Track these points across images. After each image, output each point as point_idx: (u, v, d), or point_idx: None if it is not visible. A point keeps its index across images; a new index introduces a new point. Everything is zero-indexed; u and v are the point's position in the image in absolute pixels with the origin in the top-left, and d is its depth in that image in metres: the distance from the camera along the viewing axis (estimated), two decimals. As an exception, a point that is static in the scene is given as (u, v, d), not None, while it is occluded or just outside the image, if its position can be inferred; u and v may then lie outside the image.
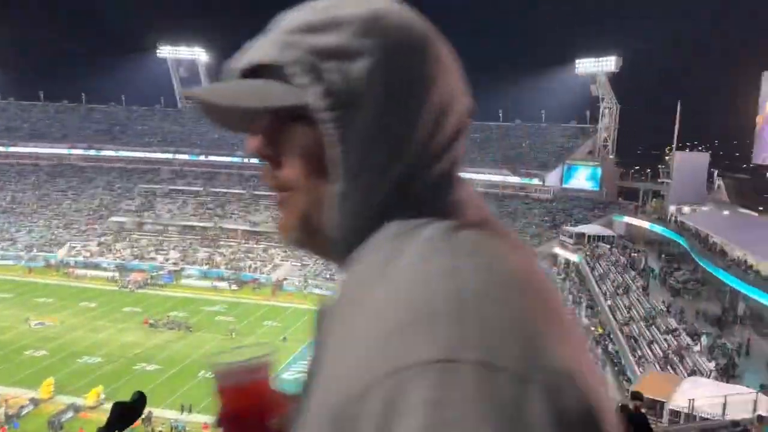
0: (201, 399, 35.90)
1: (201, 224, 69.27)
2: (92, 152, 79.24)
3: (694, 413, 16.52)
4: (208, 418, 33.46)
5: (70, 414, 33.70)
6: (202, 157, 77.42)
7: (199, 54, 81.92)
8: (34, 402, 34.92)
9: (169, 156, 77.77)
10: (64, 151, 79.07)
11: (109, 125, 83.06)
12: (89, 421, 32.70)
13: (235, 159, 76.57)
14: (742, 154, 78.22)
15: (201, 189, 74.46)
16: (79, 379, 37.82)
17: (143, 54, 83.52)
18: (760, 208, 53.25)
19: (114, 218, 70.59)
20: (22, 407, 34.33)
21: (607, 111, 66.78)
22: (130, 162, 78.19)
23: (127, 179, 76.60)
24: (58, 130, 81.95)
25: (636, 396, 7.72)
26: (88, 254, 64.52)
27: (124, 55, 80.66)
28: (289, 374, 40.28)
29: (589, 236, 50.00)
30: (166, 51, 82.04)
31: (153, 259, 63.80)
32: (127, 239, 67.69)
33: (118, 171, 77.85)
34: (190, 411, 34.30)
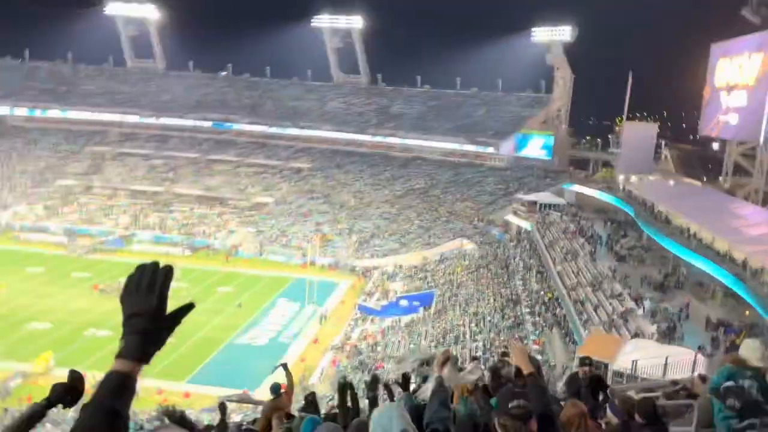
0: (155, 365, 35.51)
1: (152, 188, 67.67)
2: (37, 112, 75.96)
3: (636, 374, 17.31)
4: (163, 383, 33.15)
5: (18, 380, 33.03)
6: (152, 120, 75.14)
7: (150, 12, 78.50)
8: (-20, 369, 34.05)
9: (118, 117, 75.19)
10: (6, 111, 75.54)
11: (54, 84, 79.50)
12: (38, 387, 32.15)
13: (187, 122, 74.66)
14: (689, 125, 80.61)
15: (152, 152, 72.46)
16: (28, 345, 36.98)
17: (91, 10, 79.39)
18: (704, 178, 55.33)
19: (60, 181, 68.23)
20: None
21: (561, 80, 67.63)
22: (77, 123, 75.32)
23: (74, 141, 73.90)
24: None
25: (584, 362, 7.91)
26: (34, 218, 62.40)
27: (70, 10, 76.48)
28: (243, 340, 40.40)
29: (540, 204, 51.15)
30: (114, 8, 78.30)
31: (102, 223, 62.19)
32: (75, 203, 65.68)
33: (64, 132, 74.98)
34: (143, 376, 33.98)
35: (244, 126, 73.87)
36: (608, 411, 4.79)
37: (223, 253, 57.64)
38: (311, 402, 8.47)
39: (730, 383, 4.13)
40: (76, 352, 36.58)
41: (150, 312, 1.64)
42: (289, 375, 8.64)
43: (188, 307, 1.66)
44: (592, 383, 7.39)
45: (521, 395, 2.87)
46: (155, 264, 1.65)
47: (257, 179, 69.19)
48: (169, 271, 1.63)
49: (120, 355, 1.58)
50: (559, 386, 11.63)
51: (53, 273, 50.75)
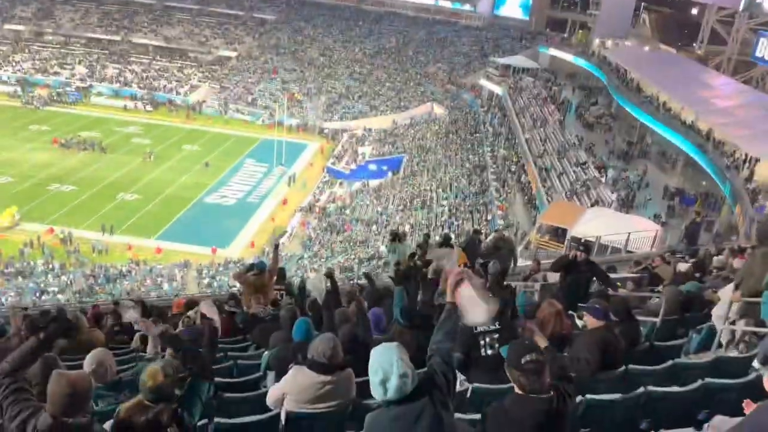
0: (123, 221, 35.82)
1: (107, 37, 63.71)
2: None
3: (599, 241, 17.97)
4: (133, 240, 33.58)
5: (-17, 235, 32.87)
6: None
7: None
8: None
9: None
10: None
11: None
12: (5, 240, 32.20)
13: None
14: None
15: (105, -3, 67.26)
16: (-10, 199, 36.40)
17: None
18: (680, 44, 54.52)
19: (8, 26, 63.51)
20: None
21: (545, -67, 63.55)
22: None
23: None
24: None
25: (578, 247, 7.82)
26: (-19, 66, 58.78)
27: None
28: (212, 199, 40.50)
29: (514, 68, 50.11)
30: None
31: (57, 74, 59.02)
32: (27, 50, 61.73)
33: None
34: (112, 232, 34.25)
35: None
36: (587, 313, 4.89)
37: (185, 109, 55.96)
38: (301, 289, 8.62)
39: None
40: (40, 207, 36.31)
41: None
42: (276, 255, 8.75)
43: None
44: (586, 273, 7.48)
45: (533, 349, 2.97)
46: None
47: (219, 31, 65.55)
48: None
49: None
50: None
51: (9, 125, 48.84)
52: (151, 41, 63.69)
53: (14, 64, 59.63)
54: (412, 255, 9.23)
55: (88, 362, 4.21)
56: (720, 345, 5.90)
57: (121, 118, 53.41)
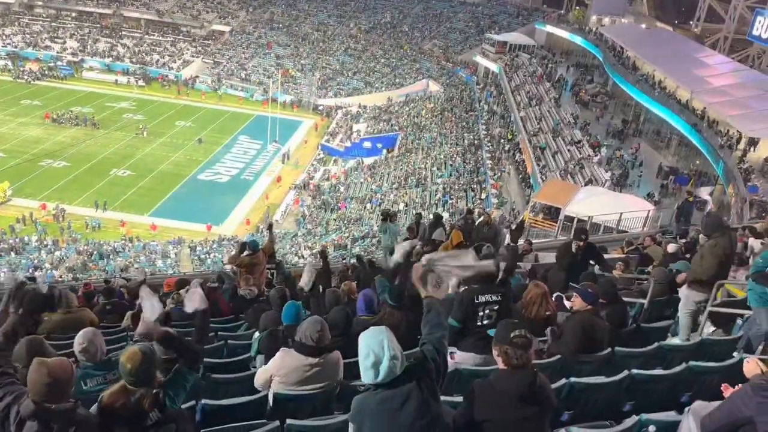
0: (116, 197, 35.65)
1: (99, 11, 62.75)
2: None
3: (591, 220, 18.02)
4: (126, 216, 33.37)
5: (-25, 210, 32.70)
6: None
7: None
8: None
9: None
10: None
11: None
12: (-3, 216, 32.06)
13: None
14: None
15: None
16: (-20, 175, 36.13)
17: None
18: (676, 22, 54.09)
19: (-4, -2, 62.51)
20: None
21: None
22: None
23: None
24: None
25: (579, 236, 7.54)
26: (-29, 39, 57.93)
27: None
28: (205, 176, 40.30)
29: (510, 45, 49.71)
30: None
31: (48, 47, 58.23)
32: (17, 23, 60.79)
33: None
34: (105, 208, 34.13)
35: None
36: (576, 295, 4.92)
37: (178, 85, 55.44)
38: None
39: None
40: (32, 183, 36.09)
41: None
42: (271, 236, 8.74)
43: None
44: (586, 256, 7.46)
45: (522, 326, 3.06)
46: None
47: (212, 5, 64.64)
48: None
49: None
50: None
51: (0, 100, 48.31)
52: (143, 15, 62.81)
53: (4, 37, 58.76)
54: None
55: (78, 341, 4.21)
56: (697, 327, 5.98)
57: (114, 93, 52.88)
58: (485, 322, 4.64)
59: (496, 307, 4.66)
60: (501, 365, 3.09)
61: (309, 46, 60.37)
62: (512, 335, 3.04)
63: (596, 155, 28.97)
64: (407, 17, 62.90)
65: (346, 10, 64.37)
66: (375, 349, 2.69)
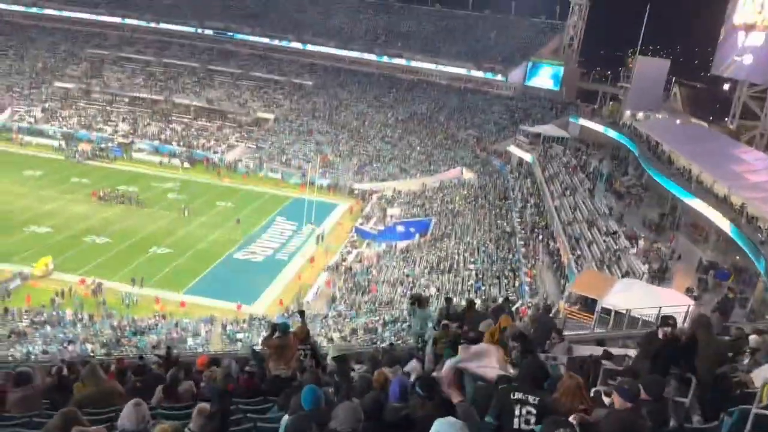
0: (153, 274, 36.32)
1: (151, 97, 66.50)
2: (34, 10, 73.46)
3: (629, 313, 17.56)
4: (161, 293, 33.87)
5: (18, 282, 33.61)
6: (153, 24, 72.83)
7: None
8: (-20, 269, 34.52)
9: (118, 20, 72.85)
10: (2, 6, 73.06)
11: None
12: (37, 289, 32.86)
13: (189, 28, 72.45)
14: (702, 62, 78.59)
15: (152, 59, 70.72)
16: (28, 248, 37.42)
17: None
18: (711, 119, 54.53)
19: (59, 83, 66.94)
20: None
21: (576, 8, 65.26)
22: (76, 23, 73.07)
23: (73, 42, 71.90)
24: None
25: (666, 321, 6.86)
26: (32, 120, 61.66)
27: None
28: (241, 255, 40.94)
29: (544, 137, 50.59)
30: None
31: (101, 129, 61.54)
32: (74, 107, 64.70)
33: (62, 32, 72.81)
34: (141, 284, 34.71)
35: (246, 36, 71.85)
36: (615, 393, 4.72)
37: (222, 168, 57.52)
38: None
39: None
40: (74, 258, 37.10)
41: None
42: (303, 321, 8.79)
43: None
44: (670, 348, 6.65)
45: (566, 424, 3.04)
46: None
47: (258, 94, 67.95)
48: None
49: None
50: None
51: (52, 177, 50.73)
52: (193, 102, 66.24)
53: (61, 119, 62.43)
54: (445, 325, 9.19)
55: (125, 413, 4.28)
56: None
57: (160, 174, 55.07)
58: (523, 426, 4.45)
59: (534, 411, 4.43)
60: None
61: (348, 133, 62.46)
62: None
63: (633, 247, 28.62)
64: (443, 109, 64.90)
65: (384, 101, 66.85)
66: None
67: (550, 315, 10.86)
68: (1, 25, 72.59)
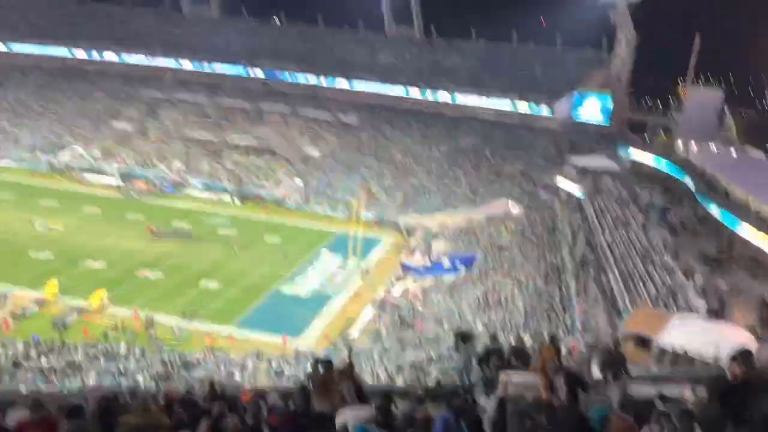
0: (203, 307, 37.00)
1: (205, 137, 68.73)
2: (95, 55, 77.49)
3: (685, 352, 16.86)
4: (211, 327, 34.60)
5: (74, 316, 34.75)
6: (204, 64, 75.65)
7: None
8: (39, 303, 35.92)
9: (173, 63, 76.01)
10: (66, 54, 77.37)
11: (110, 27, 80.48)
12: (92, 323, 33.88)
13: (239, 70, 74.91)
14: (757, 91, 76.51)
15: (205, 100, 73.29)
16: (83, 282, 38.75)
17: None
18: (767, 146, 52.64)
19: (116, 123, 70.03)
20: (26, 308, 35.36)
21: (623, 40, 64.60)
22: (133, 68, 76.61)
23: (130, 85, 75.27)
24: (57, 28, 79.31)
25: (736, 358, 5.82)
26: (91, 159, 64.47)
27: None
28: (287, 289, 41.33)
29: (593, 169, 49.74)
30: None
31: (156, 167, 63.80)
32: (131, 147, 67.40)
33: (121, 76, 76.41)
34: (192, 318, 35.35)
35: (294, 76, 73.79)
36: None
37: (270, 203, 58.62)
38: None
39: None
40: (128, 292, 38.18)
41: None
42: (351, 359, 8.74)
43: None
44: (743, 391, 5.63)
45: None
46: None
47: (306, 131, 69.37)
48: None
49: None
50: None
51: (109, 213, 52.66)
52: (243, 140, 68.09)
53: (118, 158, 65.06)
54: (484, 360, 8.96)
55: None
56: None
57: (211, 210, 56.52)
58: None
59: None
60: None
61: (393, 168, 62.89)
62: None
63: (689, 282, 27.56)
64: (489, 143, 64.73)
65: (429, 136, 67.17)
66: None
67: (620, 352, 10.45)
68: (65, 70, 76.71)
